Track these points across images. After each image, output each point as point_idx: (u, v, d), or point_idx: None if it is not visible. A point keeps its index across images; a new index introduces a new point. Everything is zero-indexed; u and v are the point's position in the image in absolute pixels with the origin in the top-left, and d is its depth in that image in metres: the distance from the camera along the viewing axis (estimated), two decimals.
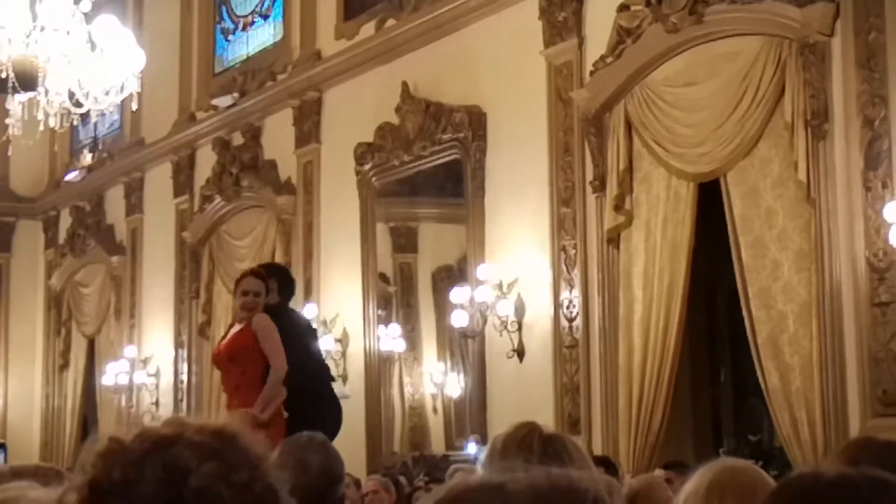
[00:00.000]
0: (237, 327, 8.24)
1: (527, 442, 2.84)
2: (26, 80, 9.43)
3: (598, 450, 10.12)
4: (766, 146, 9.57)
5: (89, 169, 19.38)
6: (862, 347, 8.81)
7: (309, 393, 8.29)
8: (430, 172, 13.03)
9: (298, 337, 8.40)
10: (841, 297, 8.97)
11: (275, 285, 8.49)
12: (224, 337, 8.50)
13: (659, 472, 7.65)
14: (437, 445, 13.23)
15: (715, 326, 11.67)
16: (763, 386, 9.47)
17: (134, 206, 18.31)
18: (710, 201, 9.99)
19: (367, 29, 13.91)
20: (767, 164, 9.53)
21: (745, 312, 9.59)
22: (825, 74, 9.15)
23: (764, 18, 9.56)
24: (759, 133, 9.59)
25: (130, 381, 17.47)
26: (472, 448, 11.72)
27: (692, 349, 10.97)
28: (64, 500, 1.48)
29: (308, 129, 14.65)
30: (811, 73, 9.16)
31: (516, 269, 11.51)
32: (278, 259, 14.15)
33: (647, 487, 4.67)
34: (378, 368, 13.37)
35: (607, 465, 7.29)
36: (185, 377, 16.72)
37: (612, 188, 10.57)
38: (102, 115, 10.85)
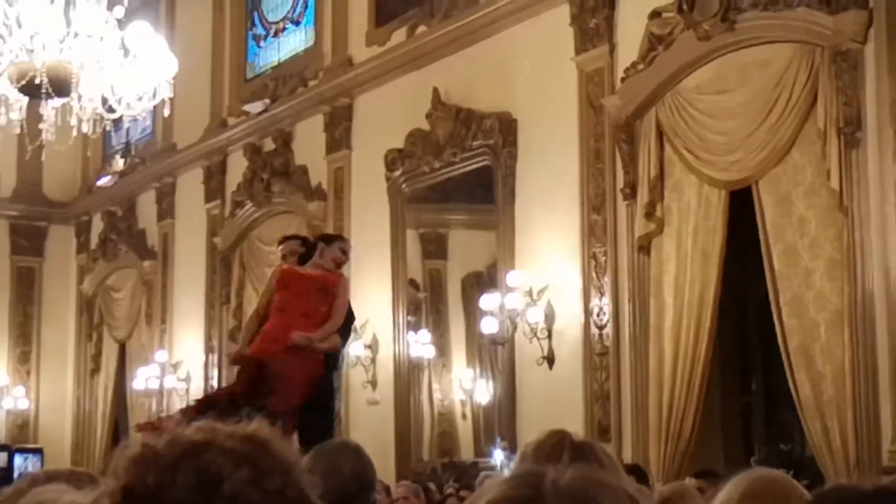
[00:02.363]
0: (308, 270, 8.72)
1: (558, 449, 2.82)
2: (60, 86, 9.49)
3: (627, 458, 10.09)
4: (798, 154, 9.52)
5: (121, 174, 19.48)
6: (895, 357, 8.75)
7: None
8: (461, 179, 13.04)
9: (348, 322, 8.91)
10: (874, 305, 8.91)
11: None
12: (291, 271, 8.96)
13: (690, 481, 7.61)
14: (467, 452, 13.22)
15: (746, 334, 11.62)
16: (794, 395, 9.41)
17: (165, 211, 18.40)
18: (741, 209, 9.95)
19: (399, 35, 13.93)
20: (800, 172, 9.48)
21: (776, 321, 9.54)
22: (858, 82, 9.09)
23: (796, 26, 9.51)
24: (792, 141, 9.54)
25: (161, 385, 17.54)
26: (497, 455, 11.70)
27: (723, 357, 10.93)
28: None
29: (339, 135, 14.68)
30: (844, 80, 9.10)
31: (546, 275, 11.50)
32: None
33: (678, 495, 4.64)
34: (407, 374, 13.37)
35: (638, 473, 7.25)
36: (214, 382, 16.76)
37: (643, 195, 10.54)
38: (135, 120, 10.91)
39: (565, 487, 1.37)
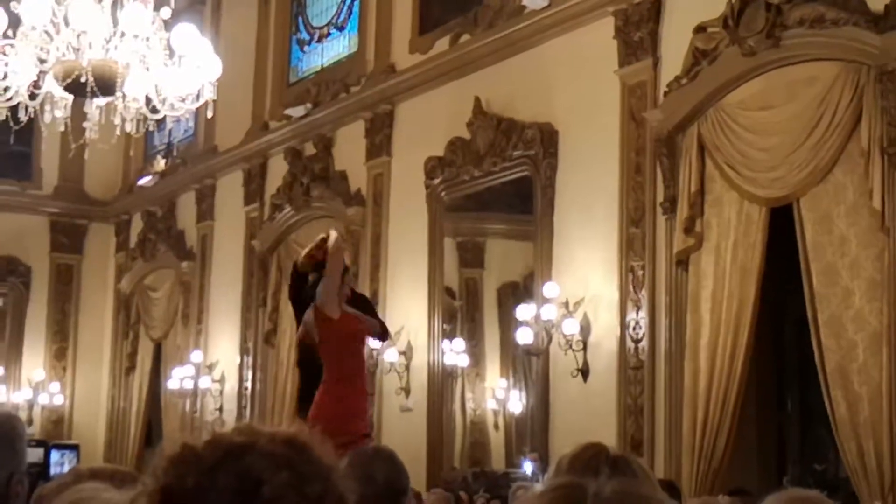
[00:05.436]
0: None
1: (594, 462, 2.81)
2: (105, 85, 9.54)
3: (660, 473, 10.04)
4: (840, 173, 9.45)
5: (162, 175, 19.60)
6: None
7: None
8: (500, 188, 13.03)
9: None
10: None
11: None
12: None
13: (723, 499, 7.57)
14: (498, 462, 13.21)
15: (782, 353, 11.54)
16: (830, 415, 9.34)
17: (205, 212, 18.48)
18: (781, 227, 9.89)
19: (442, 44, 13.94)
20: (841, 191, 9.41)
21: (814, 340, 9.47)
22: None
23: (842, 44, 9.45)
24: (834, 159, 9.47)
25: (195, 386, 17.61)
26: (527, 467, 11.66)
27: (759, 375, 10.86)
28: None
29: (379, 141, 14.70)
30: (889, 100, 9.03)
31: (583, 288, 11.47)
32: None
33: None
34: (441, 382, 13.36)
35: (671, 488, 7.22)
36: (249, 384, 16.82)
37: (682, 210, 10.50)
38: (177, 121, 10.95)
39: (607, 500, 1.36)
